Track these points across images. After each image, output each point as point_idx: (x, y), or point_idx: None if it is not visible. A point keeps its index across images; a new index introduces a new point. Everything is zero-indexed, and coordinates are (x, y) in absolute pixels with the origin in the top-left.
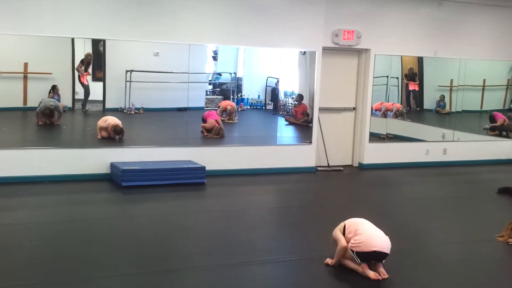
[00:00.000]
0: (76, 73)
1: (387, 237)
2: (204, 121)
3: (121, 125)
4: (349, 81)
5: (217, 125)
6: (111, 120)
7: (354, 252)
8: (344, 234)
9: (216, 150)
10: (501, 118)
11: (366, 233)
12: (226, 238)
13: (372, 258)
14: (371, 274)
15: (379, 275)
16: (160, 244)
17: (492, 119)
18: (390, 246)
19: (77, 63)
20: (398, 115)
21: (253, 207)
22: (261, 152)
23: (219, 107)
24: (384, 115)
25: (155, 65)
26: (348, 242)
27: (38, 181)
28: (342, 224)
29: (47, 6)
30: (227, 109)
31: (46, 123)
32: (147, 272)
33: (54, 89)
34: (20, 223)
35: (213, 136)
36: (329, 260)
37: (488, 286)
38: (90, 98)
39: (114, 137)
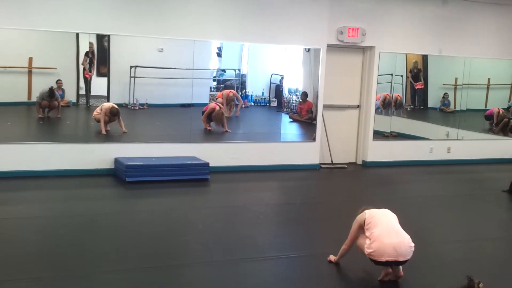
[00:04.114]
0: (81, 68)
1: (407, 239)
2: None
3: (116, 106)
4: (353, 78)
5: (217, 107)
6: (106, 105)
7: (369, 258)
8: (363, 227)
9: (219, 146)
10: (494, 110)
11: (379, 240)
12: (228, 234)
13: (387, 265)
14: (382, 274)
15: (389, 275)
16: (163, 239)
17: (490, 117)
18: (411, 249)
19: (81, 58)
20: (398, 105)
21: (256, 203)
22: (264, 149)
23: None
24: (383, 105)
25: (159, 61)
26: (365, 239)
27: (42, 175)
28: (363, 217)
29: (52, 1)
30: (228, 96)
31: (46, 116)
32: (150, 267)
33: (57, 84)
34: (23, 217)
35: (217, 124)
36: (332, 257)
37: (490, 285)
38: (95, 93)
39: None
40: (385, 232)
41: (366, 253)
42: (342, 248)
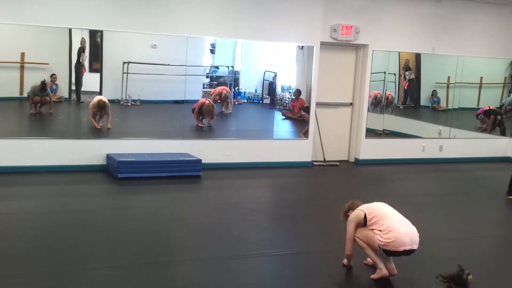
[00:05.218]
0: (73, 63)
1: (415, 228)
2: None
3: (104, 100)
4: (346, 76)
5: (206, 101)
6: (96, 98)
7: (381, 249)
8: (365, 224)
9: (212, 143)
10: (484, 107)
11: (396, 231)
12: (221, 231)
13: (400, 255)
14: (383, 271)
15: (389, 272)
16: (155, 236)
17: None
18: (419, 237)
19: (74, 54)
20: (388, 103)
21: (248, 200)
22: (257, 146)
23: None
24: (374, 103)
25: (152, 57)
26: (371, 230)
27: (33, 171)
28: (360, 214)
29: None
30: (222, 94)
31: (38, 112)
32: (142, 264)
33: (51, 78)
34: (14, 213)
35: (207, 117)
36: (345, 261)
37: (483, 283)
38: (87, 89)
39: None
40: (397, 222)
41: (382, 243)
42: (346, 254)
